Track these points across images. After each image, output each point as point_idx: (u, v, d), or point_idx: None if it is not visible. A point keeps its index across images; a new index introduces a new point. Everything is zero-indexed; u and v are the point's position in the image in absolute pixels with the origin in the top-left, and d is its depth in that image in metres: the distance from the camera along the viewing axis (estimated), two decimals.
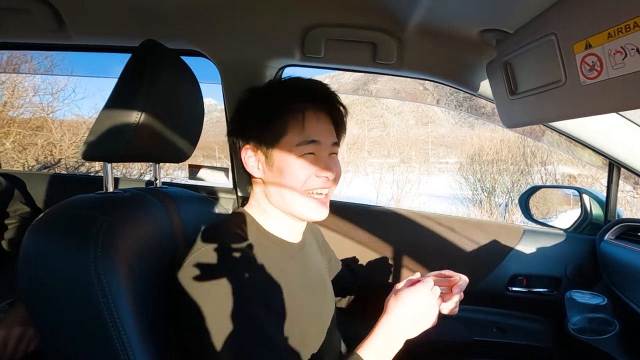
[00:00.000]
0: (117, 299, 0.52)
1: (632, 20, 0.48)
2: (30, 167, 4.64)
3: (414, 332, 0.67)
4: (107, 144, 0.63)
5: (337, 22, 0.91)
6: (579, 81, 0.59)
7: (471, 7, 0.77)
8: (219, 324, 0.57)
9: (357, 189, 8.07)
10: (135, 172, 5.33)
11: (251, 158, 0.71)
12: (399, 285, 0.70)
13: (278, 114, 0.68)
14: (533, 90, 0.73)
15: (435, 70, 0.99)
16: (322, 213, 0.71)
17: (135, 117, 0.63)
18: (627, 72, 0.51)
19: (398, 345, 0.65)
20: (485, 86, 0.96)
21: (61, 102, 5.35)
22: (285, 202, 0.69)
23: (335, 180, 0.72)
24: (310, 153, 0.68)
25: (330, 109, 0.72)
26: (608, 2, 0.51)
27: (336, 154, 0.74)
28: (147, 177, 5.44)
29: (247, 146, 0.71)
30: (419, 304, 0.66)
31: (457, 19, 0.82)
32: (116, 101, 0.65)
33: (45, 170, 4.54)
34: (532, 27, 0.69)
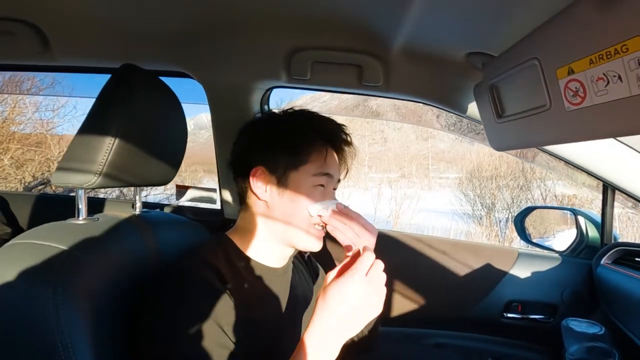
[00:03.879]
0: (77, 343, 0.48)
1: (612, 47, 0.47)
2: (27, 184, 4.63)
3: (352, 331, 0.56)
4: (79, 170, 0.62)
5: (322, 44, 0.91)
6: (563, 107, 0.58)
7: (455, 31, 0.76)
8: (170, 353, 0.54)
9: (355, 204, 8.03)
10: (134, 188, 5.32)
11: (260, 180, 0.70)
12: (330, 276, 0.58)
13: (305, 144, 0.70)
14: (519, 114, 0.71)
15: (423, 92, 0.98)
16: (319, 245, 0.71)
17: (109, 142, 0.62)
18: (610, 99, 0.49)
19: (332, 353, 0.55)
20: (473, 108, 0.95)
21: (62, 118, 5.39)
22: (286, 230, 0.69)
23: None
24: (321, 185, 0.70)
25: (344, 150, 0.76)
26: (589, 28, 0.50)
27: (336, 189, 0.76)
28: (143, 193, 5.41)
29: (260, 168, 0.69)
30: (352, 299, 0.54)
31: (441, 42, 0.82)
32: (90, 126, 0.63)
33: (41, 187, 4.53)
34: (515, 51, 0.68)
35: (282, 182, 0.69)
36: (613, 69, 0.48)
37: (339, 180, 0.76)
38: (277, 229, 0.69)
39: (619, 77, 0.47)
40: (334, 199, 0.73)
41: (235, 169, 0.74)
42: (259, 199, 0.70)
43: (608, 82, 0.49)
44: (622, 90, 0.47)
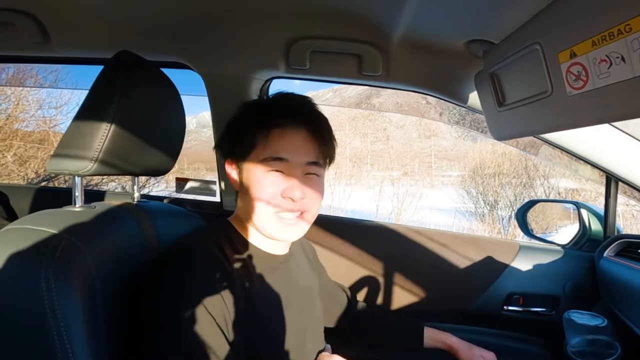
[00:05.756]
0: (70, 326, 0.48)
1: (615, 28, 0.46)
2: (30, 180, 4.65)
3: None
4: (75, 156, 0.61)
5: (321, 34, 0.90)
6: (565, 92, 0.57)
7: (455, 19, 0.75)
8: (168, 332, 0.55)
9: (357, 202, 8.01)
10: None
11: (232, 172, 0.71)
12: None
13: (248, 128, 0.68)
14: (521, 102, 0.71)
15: (423, 82, 0.97)
16: (289, 234, 0.68)
17: (105, 128, 0.61)
18: (613, 82, 0.48)
19: None
20: (474, 98, 0.94)
21: (64, 115, 5.41)
22: (253, 219, 0.67)
23: (313, 201, 0.68)
24: (278, 171, 0.65)
25: (310, 126, 0.68)
26: (591, 9, 0.49)
27: (316, 174, 0.69)
28: (145, 190, 5.44)
29: (227, 160, 0.72)
30: None
31: (442, 30, 0.81)
32: (86, 113, 0.63)
33: (44, 184, 4.55)
34: (516, 37, 0.67)
35: (240, 171, 0.69)
36: (616, 50, 0.47)
37: (314, 164, 0.68)
38: (248, 219, 0.69)
39: (622, 58, 0.46)
40: (310, 187, 0.67)
41: (219, 161, 0.77)
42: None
43: (611, 64, 0.48)
44: (625, 71, 0.46)
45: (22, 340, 0.48)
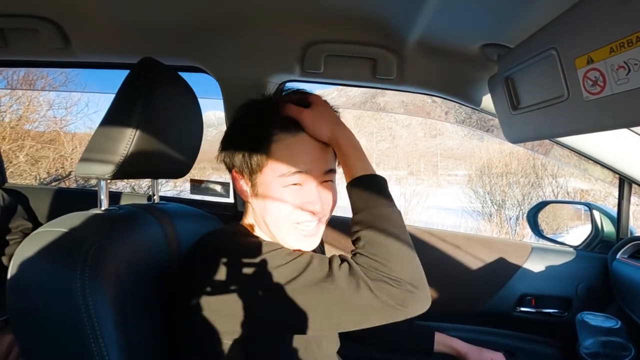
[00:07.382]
0: (103, 324, 0.50)
1: (634, 35, 0.47)
2: (42, 180, 4.73)
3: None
4: (101, 161, 0.63)
5: (336, 38, 0.91)
6: (581, 97, 0.57)
7: (471, 23, 0.76)
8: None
9: None
10: (144, 184, 5.39)
11: (240, 181, 0.68)
12: None
13: (261, 139, 0.63)
14: (535, 106, 0.71)
15: (437, 85, 0.98)
16: (309, 244, 0.66)
17: (130, 133, 0.63)
18: (631, 88, 0.49)
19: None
20: (487, 101, 0.95)
21: (74, 116, 5.50)
22: (270, 231, 0.66)
23: (329, 208, 0.68)
24: (296, 184, 0.63)
25: None
26: (609, 16, 0.50)
27: (331, 180, 0.68)
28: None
29: (234, 170, 0.68)
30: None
31: (457, 34, 0.81)
32: (112, 118, 0.65)
33: (55, 183, 4.61)
34: (532, 41, 0.67)
35: (253, 185, 0.65)
36: (634, 56, 0.47)
37: (331, 171, 0.66)
38: (264, 229, 0.67)
39: None
40: (328, 196, 0.66)
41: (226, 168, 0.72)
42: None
43: (629, 71, 0.49)
44: None
45: (59, 339, 0.50)
